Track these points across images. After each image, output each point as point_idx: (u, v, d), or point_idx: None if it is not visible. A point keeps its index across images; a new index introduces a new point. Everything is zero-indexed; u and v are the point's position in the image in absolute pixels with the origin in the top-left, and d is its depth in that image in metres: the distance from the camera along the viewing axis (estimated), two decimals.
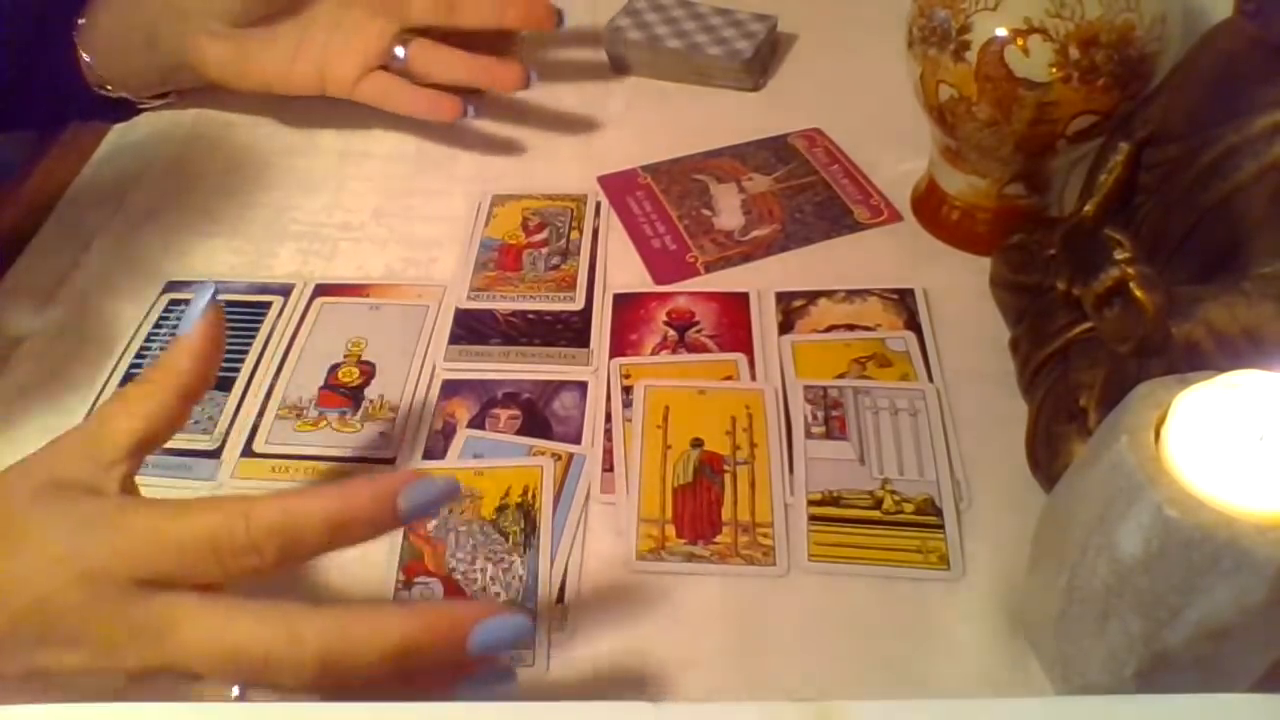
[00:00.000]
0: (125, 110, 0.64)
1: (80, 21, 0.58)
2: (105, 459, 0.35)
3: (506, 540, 0.43)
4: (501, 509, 0.44)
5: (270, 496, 0.33)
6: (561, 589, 0.41)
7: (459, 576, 0.42)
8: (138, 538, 0.32)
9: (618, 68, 0.70)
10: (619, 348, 0.51)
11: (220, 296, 0.54)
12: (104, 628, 0.32)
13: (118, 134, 0.65)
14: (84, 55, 0.58)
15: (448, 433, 0.47)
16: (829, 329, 0.51)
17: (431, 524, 0.43)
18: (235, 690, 0.32)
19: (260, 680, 0.32)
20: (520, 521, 0.43)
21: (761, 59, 0.68)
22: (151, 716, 0.30)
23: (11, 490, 0.34)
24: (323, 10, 0.59)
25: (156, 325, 0.53)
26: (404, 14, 0.60)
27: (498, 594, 0.41)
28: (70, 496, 0.33)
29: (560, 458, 0.46)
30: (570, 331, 0.52)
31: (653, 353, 0.51)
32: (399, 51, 0.59)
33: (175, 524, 0.32)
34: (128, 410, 0.36)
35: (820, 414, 0.47)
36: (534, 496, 0.44)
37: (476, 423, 0.48)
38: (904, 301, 0.52)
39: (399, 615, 0.32)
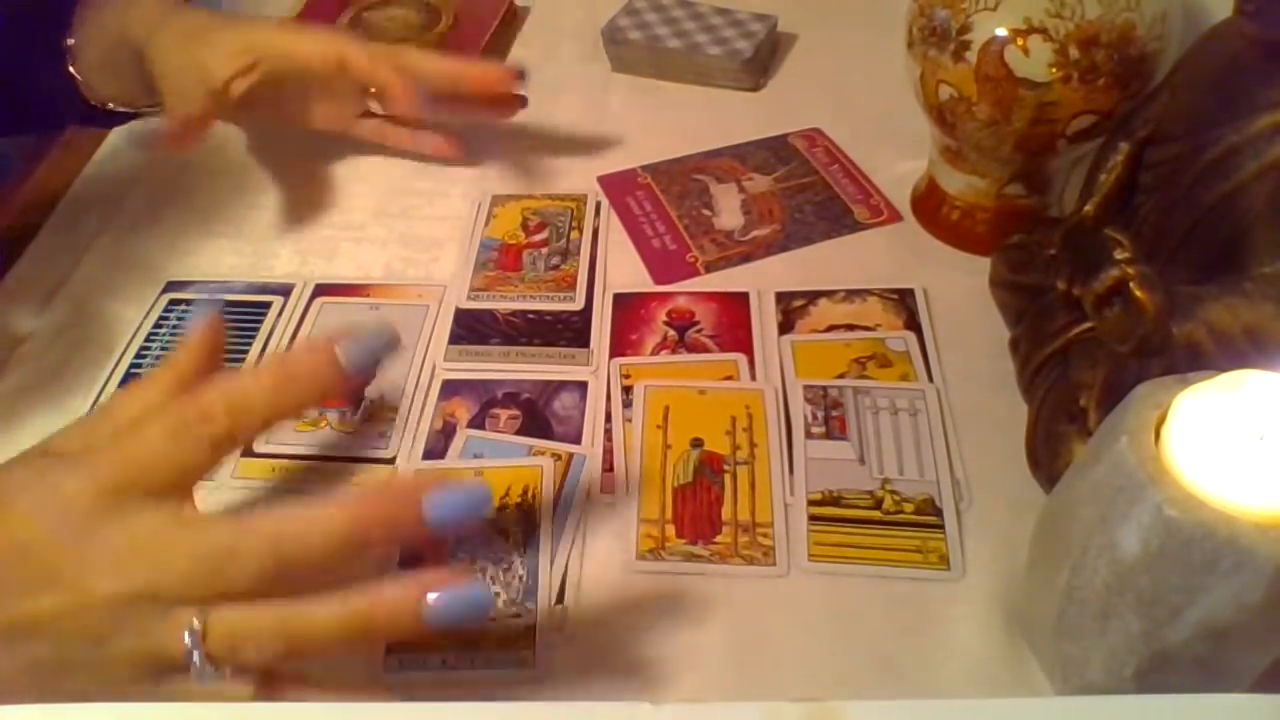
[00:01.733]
0: (124, 116, 0.64)
1: (70, 42, 0.58)
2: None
3: (507, 540, 0.43)
4: (502, 508, 0.44)
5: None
6: (561, 589, 0.41)
7: None
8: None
9: (618, 68, 0.70)
10: (619, 347, 0.51)
11: (220, 296, 0.54)
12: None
13: (118, 134, 0.65)
14: (76, 74, 0.58)
15: (448, 432, 0.47)
16: (829, 329, 0.51)
17: None
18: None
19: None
20: (520, 521, 0.43)
21: (761, 59, 0.68)
22: (151, 716, 0.30)
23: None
24: (288, 87, 0.59)
25: (156, 325, 0.53)
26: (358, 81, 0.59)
27: (497, 594, 0.41)
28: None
29: (560, 458, 0.46)
30: (570, 331, 0.52)
31: (653, 353, 0.51)
32: (375, 106, 0.61)
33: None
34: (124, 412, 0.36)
35: (820, 414, 0.47)
36: (534, 496, 0.44)
37: (476, 423, 0.48)
38: (904, 301, 0.52)
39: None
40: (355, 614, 0.33)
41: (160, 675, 0.32)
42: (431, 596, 0.32)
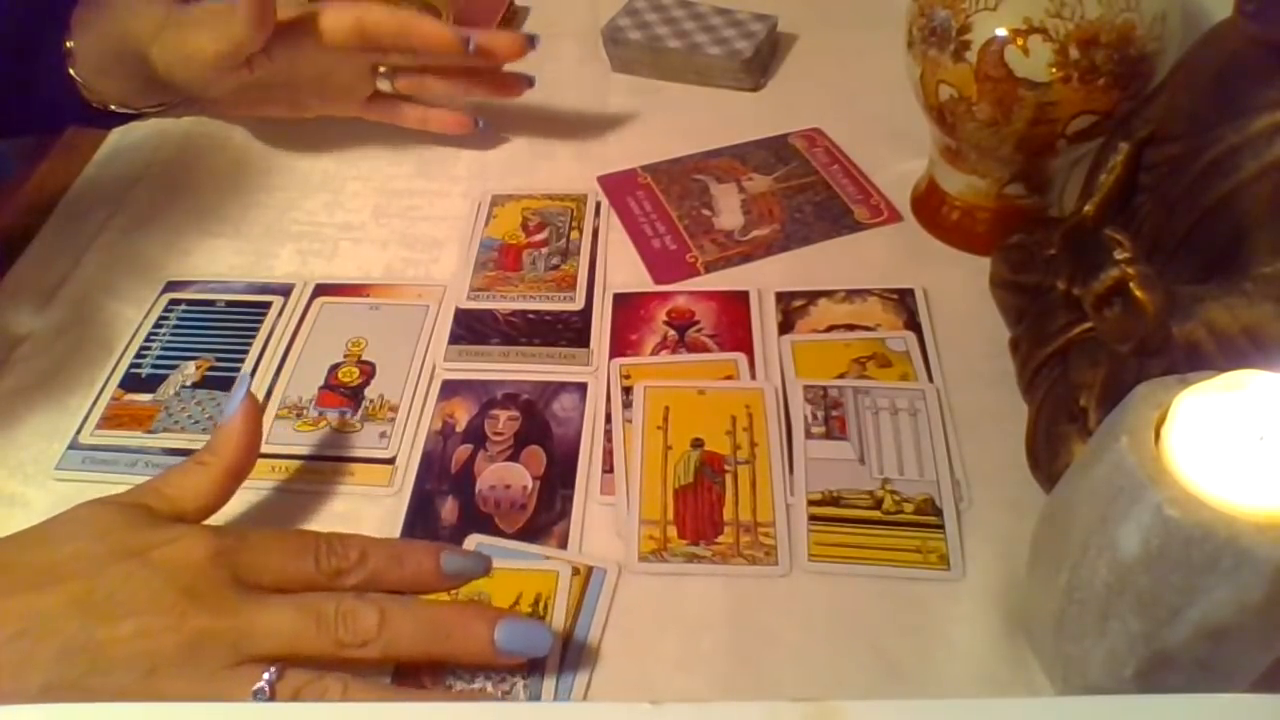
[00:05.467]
0: (124, 117, 0.64)
1: (69, 45, 0.58)
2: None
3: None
4: None
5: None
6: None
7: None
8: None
9: (618, 68, 0.70)
10: (619, 347, 0.51)
11: (220, 296, 0.54)
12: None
13: (118, 134, 0.65)
14: (76, 76, 0.58)
15: (447, 433, 0.47)
16: (829, 329, 0.51)
17: None
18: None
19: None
20: None
21: (761, 59, 0.68)
22: (151, 716, 0.30)
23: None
24: (302, 66, 0.59)
25: (156, 325, 0.53)
26: (373, 54, 0.60)
27: None
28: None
29: (580, 572, 0.42)
30: (570, 331, 0.52)
31: (653, 353, 0.51)
32: (384, 86, 0.61)
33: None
34: (180, 487, 0.40)
35: (820, 414, 0.47)
36: (546, 608, 0.40)
37: (476, 424, 0.48)
38: (904, 301, 0.52)
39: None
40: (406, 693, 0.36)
41: None
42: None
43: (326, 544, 0.38)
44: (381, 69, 0.61)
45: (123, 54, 0.57)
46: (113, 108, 0.61)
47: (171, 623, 0.34)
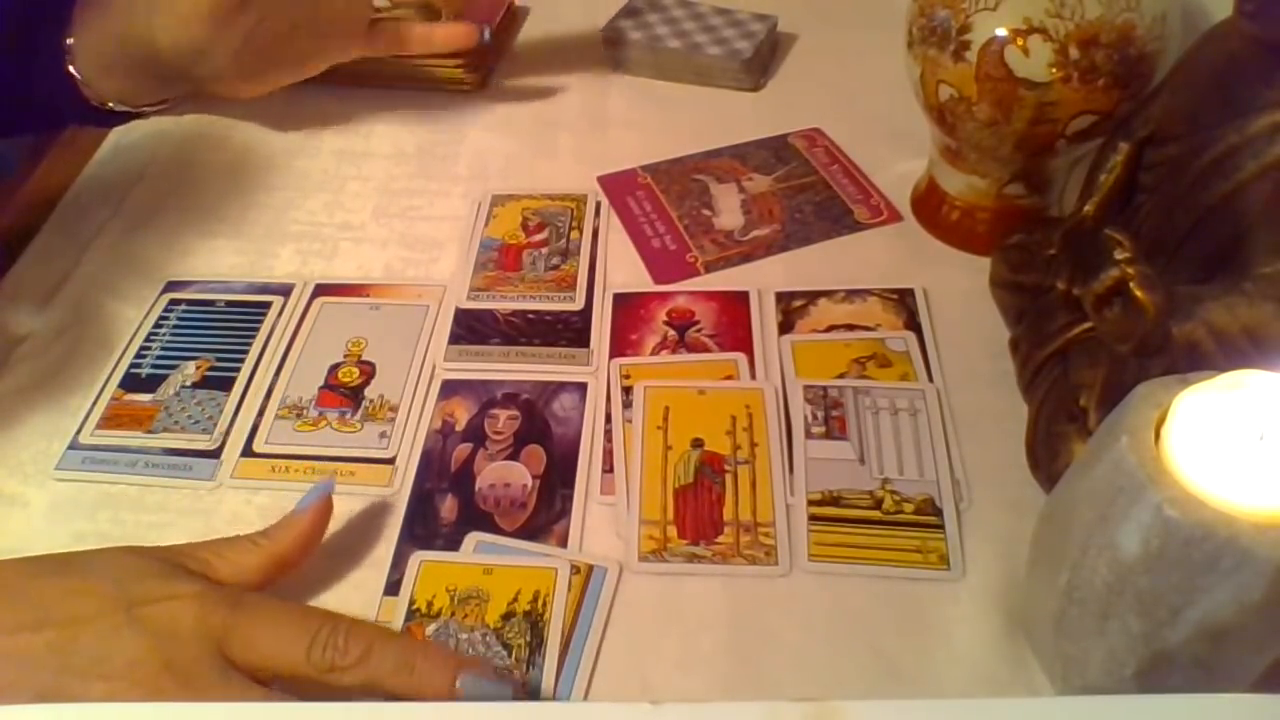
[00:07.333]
0: (124, 116, 0.64)
1: (69, 41, 0.57)
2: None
3: (509, 655, 0.39)
4: (508, 616, 0.40)
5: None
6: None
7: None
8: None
9: (618, 68, 0.70)
10: (619, 347, 0.51)
11: (220, 296, 0.54)
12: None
13: (118, 134, 0.65)
14: (76, 73, 0.58)
15: (446, 432, 0.47)
16: (829, 329, 0.51)
17: (432, 628, 0.40)
18: None
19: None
20: (526, 634, 0.40)
21: (761, 59, 0.68)
22: (151, 716, 0.30)
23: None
24: (297, 10, 0.58)
25: (156, 325, 0.53)
26: None
27: None
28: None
29: (580, 570, 0.42)
30: (570, 331, 0.52)
31: (653, 353, 0.51)
32: (380, 1, 0.60)
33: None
34: (224, 558, 0.39)
35: (820, 414, 0.47)
36: (544, 605, 0.40)
37: (476, 423, 0.48)
38: (904, 301, 0.52)
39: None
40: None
41: None
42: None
43: (329, 631, 0.35)
44: None
45: (127, 46, 0.56)
46: (111, 106, 0.61)
47: (140, 696, 0.34)
